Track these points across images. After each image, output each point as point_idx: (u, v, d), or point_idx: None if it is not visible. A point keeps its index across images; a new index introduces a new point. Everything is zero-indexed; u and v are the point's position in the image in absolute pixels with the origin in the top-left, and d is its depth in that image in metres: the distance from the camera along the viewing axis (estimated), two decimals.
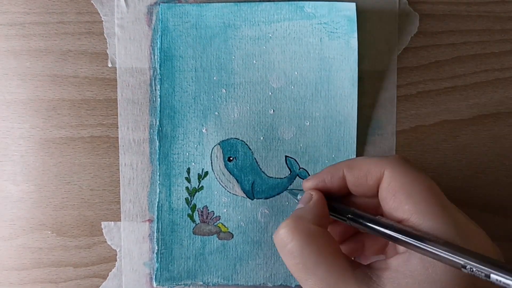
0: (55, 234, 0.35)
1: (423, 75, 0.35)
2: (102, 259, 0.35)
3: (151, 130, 0.34)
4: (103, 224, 0.35)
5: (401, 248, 0.25)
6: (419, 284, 0.22)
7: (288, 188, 0.34)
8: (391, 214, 0.25)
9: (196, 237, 0.34)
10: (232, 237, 0.34)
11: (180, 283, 0.34)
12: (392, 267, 0.24)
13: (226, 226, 0.34)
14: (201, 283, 0.34)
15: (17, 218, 0.35)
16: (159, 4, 0.34)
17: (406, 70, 0.35)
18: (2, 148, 0.34)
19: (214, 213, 0.34)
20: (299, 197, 0.30)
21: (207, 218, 0.34)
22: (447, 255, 0.21)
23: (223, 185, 0.34)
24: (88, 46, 0.34)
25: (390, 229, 0.24)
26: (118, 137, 0.34)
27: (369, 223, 0.25)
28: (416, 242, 0.23)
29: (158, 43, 0.34)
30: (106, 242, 0.35)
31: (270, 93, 0.34)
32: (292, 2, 0.34)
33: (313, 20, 0.34)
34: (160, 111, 0.34)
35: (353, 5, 0.33)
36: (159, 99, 0.34)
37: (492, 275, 0.20)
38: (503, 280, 0.20)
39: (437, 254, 0.22)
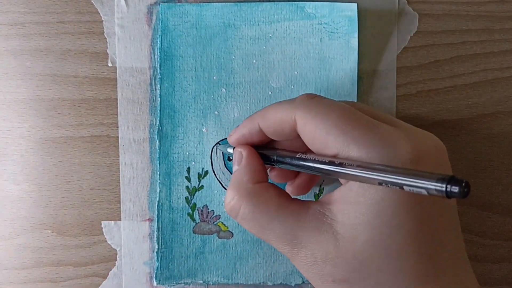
0: (55, 234, 0.35)
1: (422, 75, 0.35)
2: (102, 258, 0.35)
3: (151, 130, 0.34)
4: (103, 223, 0.35)
5: (343, 180, 0.24)
6: (366, 208, 0.22)
7: (216, 144, 0.34)
8: (323, 154, 0.24)
9: (196, 236, 0.34)
10: (232, 236, 0.34)
11: (180, 282, 0.34)
12: (339, 198, 0.23)
13: (226, 225, 0.34)
14: (201, 281, 0.34)
15: (17, 217, 0.35)
16: (159, 4, 0.34)
17: (405, 69, 0.35)
18: (2, 148, 0.34)
19: (214, 212, 0.34)
20: (229, 150, 0.30)
21: (207, 217, 0.34)
22: (363, 173, 0.21)
23: (223, 185, 0.34)
24: (88, 45, 0.34)
25: (309, 162, 0.24)
26: (118, 137, 0.34)
27: (294, 161, 0.25)
28: (336, 168, 0.22)
29: (158, 42, 0.34)
30: (106, 241, 0.35)
31: (270, 93, 0.34)
32: (293, 2, 0.34)
33: (314, 20, 0.34)
34: (160, 111, 0.34)
35: (354, 6, 0.33)
36: (159, 99, 0.34)
37: (405, 187, 0.19)
38: (414, 187, 0.19)
39: (356, 176, 0.21)
